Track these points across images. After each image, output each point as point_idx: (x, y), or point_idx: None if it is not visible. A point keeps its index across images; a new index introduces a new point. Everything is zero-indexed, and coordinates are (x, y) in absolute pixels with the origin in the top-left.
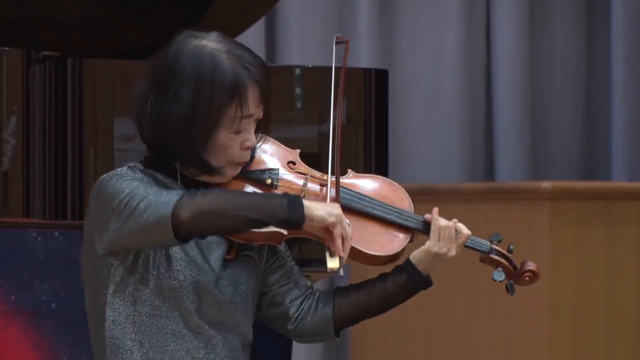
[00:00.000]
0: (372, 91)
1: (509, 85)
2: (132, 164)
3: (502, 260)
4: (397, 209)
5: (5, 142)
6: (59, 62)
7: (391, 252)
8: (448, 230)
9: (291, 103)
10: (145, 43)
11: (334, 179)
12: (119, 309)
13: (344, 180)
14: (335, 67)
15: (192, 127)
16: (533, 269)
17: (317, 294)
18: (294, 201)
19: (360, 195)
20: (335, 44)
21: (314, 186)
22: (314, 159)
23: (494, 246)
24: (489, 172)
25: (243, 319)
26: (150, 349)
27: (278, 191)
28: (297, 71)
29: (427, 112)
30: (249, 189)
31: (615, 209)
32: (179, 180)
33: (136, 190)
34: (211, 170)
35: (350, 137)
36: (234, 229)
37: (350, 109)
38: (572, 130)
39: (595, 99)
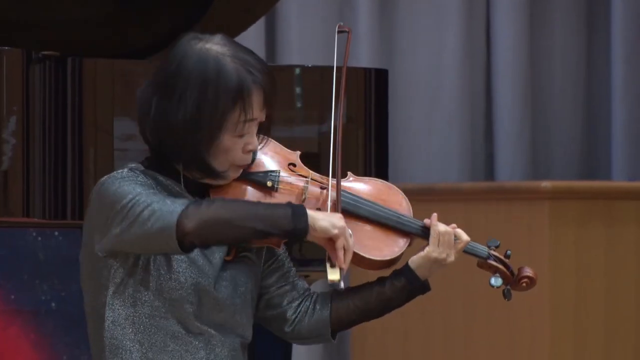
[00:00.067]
0: (372, 91)
1: (509, 85)
2: (133, 165)
3: (500, 266)
4: (397, 213)
5: (5, 142)
6: (59, 61)
7: (390, 257)
8: (447, 236)
9: (291, 103)
10: (145, 43)
11: (334, 181)
12: (118, 309)
13: (344, 183)
14: (337, 57)
15: (196, 130)
16: (530, 275)
17: (314, 296)
18: (298, 211)
19: (360, 199)
20: (337, 32)
21: (314, 189)
22: (314, 159)
23: (492, 252)
24: (489, 172)
25: (242, 320)
26: (149, 350)
27: (279, 194)
28: (297, 71)
29: (427, 112)
30: (250, 191)
31: (615, 208)
32: (182, 183)
33: (140, 197)
34: (214, 174)
35: (350, 137)
36: (238, 240)
37: (350, 108)
38: (572, 130)
39: (595, 99)
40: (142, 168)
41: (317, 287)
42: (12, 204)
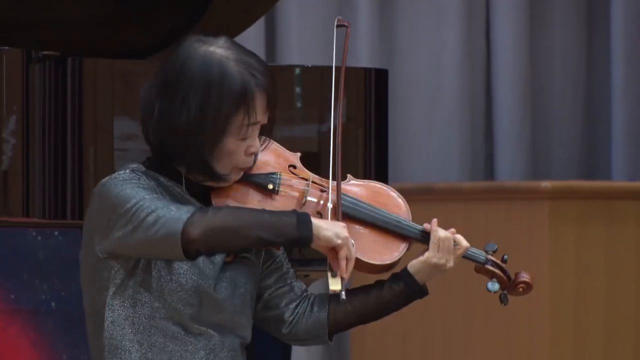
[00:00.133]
0: (372, 91)
1: (509, 85)
2: (134, 166)
3: (497, 271)
4: (396, 217)
5: (5, 142)
6: (58, 61)
7: (389, 262)
8: (447, 242)
9: (291, 102)
10: (145, 43)
11: (334, 184)
12: (118, 310)
13: (343, 186)
14: (336, 51)
15: (199, 133)
16: (527, 280)
17: (311, 298)
18: (303, 219)
19: (359, 203)
20: (336, 27)
21: (314, 192)
22: (314, 159)
23: (490, 257)
24: (489, 172)
25: (242, 321)
26: (149, 350)
27: (279, 196)
28: (297, 70)
29: (427, 112)
30: (251, 193)
31: (615, 208)
32: (183, 185)
33: (144, 201)
34: (216, 177)
35: (350, 137)
36: (243, 248)
37: (350, 108)
38: (572, 130)
39: (595, 98)
40: (144, 169)
41: (316, 287)
42: (12, 204)
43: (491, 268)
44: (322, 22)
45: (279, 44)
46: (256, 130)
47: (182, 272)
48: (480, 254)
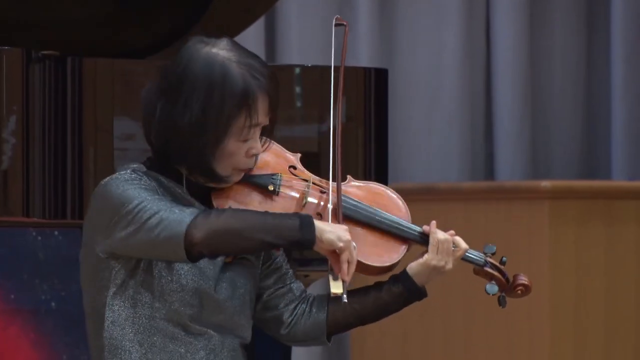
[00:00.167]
0: (371, 90)
1: (508, 85)
2: (135, 166)
3: (496, 273)
4: (396, 219)
5: (5, 141)
6: (58, 61)
7: (388, 264)
8: (447, 244)
9: (291, 102)
10: (145, 43)
11: (334, 185)
12: (118, 310)
13: (343, 187)
14: (335, 51)
15: (201, 134)
16: (525, 282)
17: (310, 299)
18: (306, 222)
19: (359, 204)
20: (335, 25)
21: (315, 193)
22: (314, 159)
23: (489, 259)
24: (489, 172)
25: (241, 321)
26: (149, 350)
27: (280, 197)
28: (297, 70)
29: (427, 111)
30: (252, 194)
31: (615, 208)
32: (184, 185)
33: (147, 202)
34: (217, 179)
35: (350, 137)
36: (246, 251)
37: (350, 108)
38: (572, 129)
39: (595, 98)
40: (145, 169)
41: (316, 287)
42: (12, 204)
43: (490, 270)
44: (322, 22)
45: (279, 43)
46: (257, 131)
47: (183, 272)
48: (479, 256)
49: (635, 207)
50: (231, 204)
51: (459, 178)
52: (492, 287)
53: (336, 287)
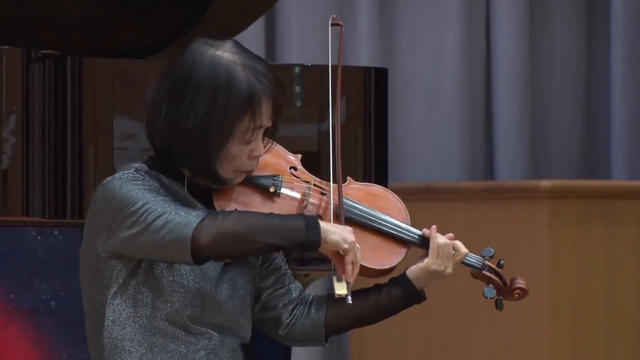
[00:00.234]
0: (371, 90)
1: (508, 85)
2: (137, 165)
3: (494, 277)
4: (396, 221)
5: (5, 141)
6: (58, 61)
7: (388, 266)
8: (447, 248)
9: (291, 101)
10: (145, 43)
11: (335, 186)
12: (119, 309)
13: (343, 189)
14: (331, 51)
15: (206, 137)
16: (523, 286)
17: (309, 299)
18: (312, 223)
19: (359, 206)
20: (331, 25)
21: (316, 195)
22: (314, 159)
23: (487, 262)
24: (489, 171)
25: (241, 321)
26: (149, 350)
27: (281, 199)
28: (297, 69)
29: (427, 111)
30: (253, 195)
31: (615, 207)
32: (185, 186)
33: (152, 204)
34: (220, 181)
35: (349, 136)
36: (252, 253)
37: (350, 107)
38: (572, 129)
39: (595, 97)
40: (146, 168)
41: (316, 287)
42: (12, 203)
43: (488, 274)
44: (322, 21)
45: (279, 43)
46: (260, 134)
47: (184, 273)
48: (477, 259)
49: (635, 207)
50: (232, 204)
51: (459, 178)
52: (490, 291)
53: (340, 289)
